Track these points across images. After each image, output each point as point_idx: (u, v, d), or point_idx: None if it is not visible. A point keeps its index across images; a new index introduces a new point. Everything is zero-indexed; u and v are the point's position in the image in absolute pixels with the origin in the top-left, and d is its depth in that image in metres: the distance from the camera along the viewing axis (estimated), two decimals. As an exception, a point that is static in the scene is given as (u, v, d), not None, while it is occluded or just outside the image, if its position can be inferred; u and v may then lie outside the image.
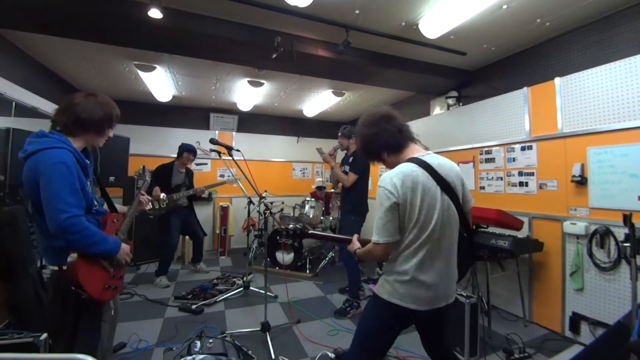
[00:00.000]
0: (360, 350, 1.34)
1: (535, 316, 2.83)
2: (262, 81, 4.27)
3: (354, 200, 3.08)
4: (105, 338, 1.50)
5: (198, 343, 2.18)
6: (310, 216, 4.50)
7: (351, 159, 3.14)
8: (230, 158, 2.48)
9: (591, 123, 2.49)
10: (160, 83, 4.28)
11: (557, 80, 2.74)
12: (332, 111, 5.84)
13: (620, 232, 2.23)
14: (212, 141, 2.57)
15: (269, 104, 5.49)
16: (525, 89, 3.00)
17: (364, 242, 1.42)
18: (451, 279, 1.33)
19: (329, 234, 2.27)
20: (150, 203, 3.58)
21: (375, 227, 1.25)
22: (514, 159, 3.07)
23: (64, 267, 1.26)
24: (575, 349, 2.30)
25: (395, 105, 5.31)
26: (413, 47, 3.17)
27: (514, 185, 3.06)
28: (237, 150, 2.54)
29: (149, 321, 2.76)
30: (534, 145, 2.90)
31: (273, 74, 3.93)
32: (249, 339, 2.44)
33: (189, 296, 3.27)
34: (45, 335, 1.21)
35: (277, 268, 4.14)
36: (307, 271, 4.21)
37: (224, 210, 5.21)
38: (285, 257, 4.22)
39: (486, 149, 3.35)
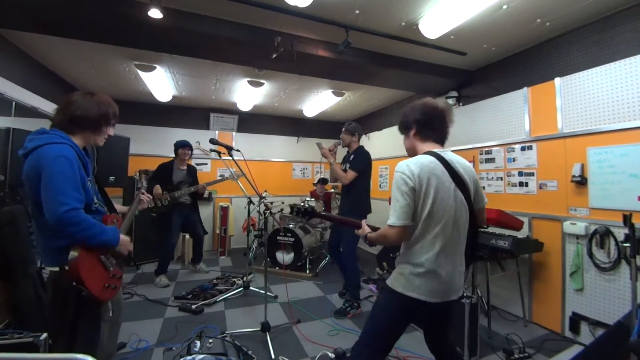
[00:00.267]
0: (368, 345, 1.35)
1: (535, 316, 2.83)
2: (262, 81, 4.27)
3: (353, 200, 3.03)
4: (106, 338, 1.50)
5: (198, 343, 2.18)
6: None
7: (352, 157, 3.11)
8: (230, 158, 2.48)
9: (591, 123, 2.49)
10: (160, 83, 4.28)
11: (557, 80, 2.74)
12: (332, 111, 5.84)
13: (620, 232, 2.23)
14: (212, 141, 2.57)
15: (269, 104, 5.49)
16: (525, 89, 3.00)
17: (372, 229, 1.45)
18: (461, 272, 1.36)
19: (336, 215, 2.31)
20: (152, 201, 3.61)
21: (392, 210, 1.27)
22: (514, 159, 3.07)
23: (66, 267, 1.25)
24: (575, 349, 2.30)
25: (396, 106, 5.31)
26: (413, 47, 3.17)
27: (514, 185, 3.06)
28: (237, 150, 2.54)
29: (149, 321, 2.76)
30: (534, 145, 2.90)
31: (273, 74, 3.92)
32: (249, 339, 2.44)
33: (189, 296, 3.27)
34: (45, 335, 1.21)
35: (277, 268, 4.14)
36: (307, 271, 4.21)
37: (224, 210, 5.21)
38: (285, 257, 4.22)
39: (486, 149, 3.35)
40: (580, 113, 2.57)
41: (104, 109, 1.43)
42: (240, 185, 3.22)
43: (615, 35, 2.50)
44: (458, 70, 3.78)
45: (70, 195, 1.22)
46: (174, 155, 3.92)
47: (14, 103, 2.97)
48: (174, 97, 5.04)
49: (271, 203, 3.96)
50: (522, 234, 2.80)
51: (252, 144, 5.89)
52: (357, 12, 2.63)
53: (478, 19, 2.63)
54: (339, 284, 3.64)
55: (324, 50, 3.11)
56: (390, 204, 1.33)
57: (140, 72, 3.83)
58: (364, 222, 1.51)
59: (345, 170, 3.06)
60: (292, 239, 4.19)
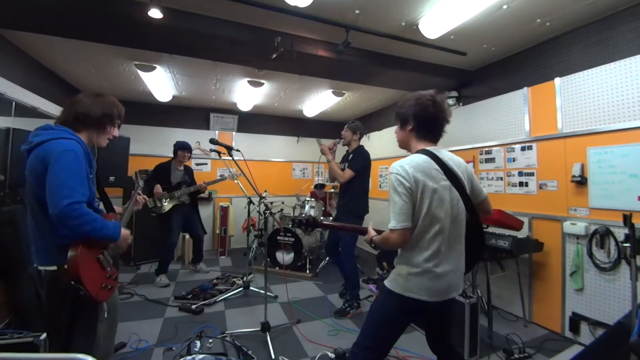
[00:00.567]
0: (366, 347, 1.34)
1: (535, 316, 2.83)
2: (262, 81, 4.27)
3: (351, 200, 3.03)
4: (102, 339, 1.50)
5: (198, 343, 2.18)
6: (312, 214, 4.48)
7: (351, 156, 3.10)
8: (230, 158, 2.48)
9: (591, 123, 2.49)
10: (160, 83, 4.28)
11: (557, 80, 2.74)
12: (332, 111, 5.84)
13: (620, 232, 2.23)
14: (212, 141, 2.57)
15: (269, 104, 5.49)
16: (525, 89, 3.00)
17: (378, 233, 1.43)
18: (461, 270, 1.35)
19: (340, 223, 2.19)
20: (152, 201, 3.61)
21: (391, 214, 1.25)
22: (514, 159, 3.07)
23: (65, 267, 1.25)
24: (575, 349, 2.30)
25: (395, 106, 5.30)
26: (413, 47, 3.17)
27: (514, 185, 3.06)
28: (237, 150, 2.54)
29: (149, 321, 2.76)
30: (534, 145, 2.90)
31: (273, 74, 3.92)
32: (249, 339, 2.44)
33: (189, 296, 3.27)
34: (45, 335, 1.21)
35: (277, 268, 4.14)
36: (307, 271, 4.21)
37: (224, 210, 5.21)
38: (285, 257, 4.22)
39: (486, 149, 3.35)
40: (580, 113, 2.57)
41: (109, 108, 1.45)
42: (240, 185, 3.22)
43: (615, 35, 2.50)
44: (458, 70, 3.78)
45: (75, 189, 1.22)
46: (173, 156, 3.93)
47: (14, 103, 2.97)
48: (174, 97, 5.04)
49: (271, 203, 3.96)
50: (522, 234, 2.80)
51: (252, 144, 5.90)
52: (357, 12, 2.63)
53: (478, 19, 2.63)
54: (339, 284, 3.63)
55: (324, 50, 3.11)
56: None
57: (140, 72, 3.83)
58: (370, 225, 1.50)
59: (343, 169, 3.06)
60: (292, 239, 4.19)
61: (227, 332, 2.51)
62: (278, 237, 4.25)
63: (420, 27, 2.74)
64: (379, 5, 2.55)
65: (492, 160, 3.29)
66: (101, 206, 1.58)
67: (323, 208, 4.83)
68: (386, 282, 1.37)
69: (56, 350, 1.25)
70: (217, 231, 5.24)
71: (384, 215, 4.55)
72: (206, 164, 5.61)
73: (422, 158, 1.29)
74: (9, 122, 2.89)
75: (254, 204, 3.40)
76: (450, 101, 4.00)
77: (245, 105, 5.42)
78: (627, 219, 1.67)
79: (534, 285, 2.85)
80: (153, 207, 3.60)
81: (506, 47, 3.23)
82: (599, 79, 2.45)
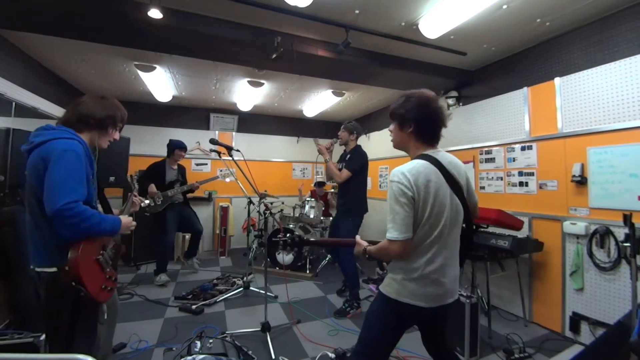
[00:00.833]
0: (363, 354, 1.33)
1: (535, 316, 2.83)
2: (262, 81, 4.27)
3: (350, 200, 3.05)
4: (102, 340, 1.51)
5: (198, 343, 2.19)
6: (311, 216, 4.49)
7: (348, 156, 3.12)
8: (230, 158, 2.49)
9: (591, 123, 2.49)
10: (160, 83, 4.28)
11: (557, 80, 2.74)
12: (332, 111, 5.84)
13: (620, 232, 2.23)
14: (212, 141, 2.57)
15: (269, 104, 5.49)
16: (525, 89, 3.00)
17: (371, 243, 1.38)
18: (456, 275, 1.34)
19: (327, 239, 2.14)
20: (152, 200, 3.62)
21: (392, 224, 1.20)
22: (514, 159, 3.07)
23: (66, 268, 1.25)
24: (575, 349, 2.30)
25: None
26: (413, 47, 3.17)
27: (514, 185, 3.06)
28: (237, 150, 2.54)
29: (149, 321, 2.76)
30: (534, 145, 2.90)
31: (273, 74, 3.92)
32: (249, 339, 2.44)
33: (189, 296, 3.27)
34: (45, 335, 1.21)
35: (277, 268, 4.14)
36: (307, 271, 4.21)
37: (224, 210, 5.21)
38: (285, 257, 4.22)
39: (486, 149, 3.35)
40: (580, 113, 2.57)
41: (112, 111, 1.47)
42: (236, 179, 3.18)
43: (615, 35, 2.50)
44: (458, 70, 3.78)
45: (74, 188, 1.22)
46: (167, 155, 3.93)
47: (14, 103, 2.97)
48: (174, 97, 5.04)
49: (271, 203, 3.96)
50: (522, 233, 2.80)
51: (252, 144, 5.90)
52: (357, 12, 2.63)
53: (478, 19, 2.63)
54: (339, 284, 3.64)
55: (324, 50, 3.11)
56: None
57: (140, 72, 3.82)
58: (357, 237, 1.45)
59: (340, 169, 3.08)
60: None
61: (227, 332, 2.51)
62: (276, 247, 4.23)
63: (420, 27, 2.74)
64: (379, 5, 2.55)
65: (492, 160, 3.29)
66: (99, 208, 1.58)
67: (323, 208, 4.83)
68: (381, 288, 1.34)
69: (56, 352, 1.25)
70: (217, 231, 5.24)
71: (383, 215, 4.55)
72: (206, 164, 5.61)
73: (422, 164, 1.25)
74: (9, 123, 2.89)
75: (254, 204, 3.40)
76: (450, 101, 4.00)
77: (245, 105, 5.42)
78: (627, 218, 1.67)
79: (534, 285, 2.85)
80: (147, 206, 3.61)
81: (506, 47, 3.23)
82: (599, 79, 2.45)
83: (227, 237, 5.21)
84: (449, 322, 1.56)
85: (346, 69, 3.52)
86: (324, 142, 3.12)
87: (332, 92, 4.70)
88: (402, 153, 1.44)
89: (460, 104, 3.94)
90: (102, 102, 1.46)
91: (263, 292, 2.69)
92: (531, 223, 2.88)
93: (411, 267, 1.25)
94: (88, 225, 1.25)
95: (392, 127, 1.40)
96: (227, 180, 3.70)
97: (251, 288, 3.50)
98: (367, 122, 5.88)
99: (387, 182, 4.80)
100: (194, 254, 4.21)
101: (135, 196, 1.82)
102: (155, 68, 3.76)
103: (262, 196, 2.81)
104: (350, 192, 3.05)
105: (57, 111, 3.56)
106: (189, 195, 4.10)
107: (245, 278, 3.61)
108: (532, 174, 2.90)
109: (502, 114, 3.22)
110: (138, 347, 2.32)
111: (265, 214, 2.66)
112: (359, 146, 3.17)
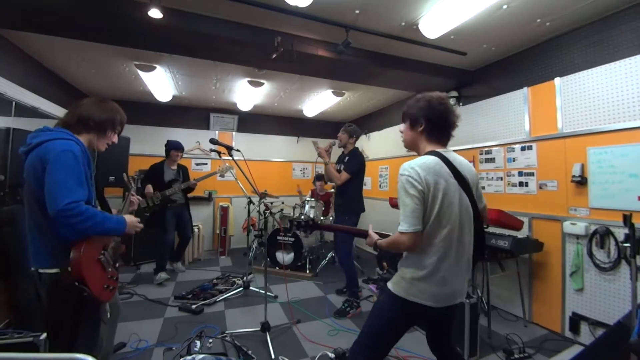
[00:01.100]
0: (367, 346, 1.33)
1: (535, 316, 2.83)
2: (262, 81, 4.27)
3: (347, 200, 3.10)
4: (104, 339, 1.51)
5: (198, 343, 2.19)
6: (311, 216, 4.49)
7: (347, 158, 3.16)
8: (230, 158, 2.48)
9: (591, 123, 2.49)
10: (160, 83, 4.28)
11: (557, 80, 2.74)
12: (332, 111, 5.84)
13: (620, 232, 2.23)
14: (212, 141, 2.57)
15: (269, 104, 5.49)
16: (525, 89, 3.00)
17: (381, 236, 1.40)
18: (466, 276, 1.34)
19: (340, 225, 2.14)
20: (144, 201, 3.63)
21: (402, 216, 1.21)
22: (514, 159, 3.07)
23: (69, 268, 1.25)
24: (575, 349, 2.30)
25: (395, 106, 5.31)
26: (413, 47, 3.17)
27: (514, 185, 3.06)
28: (237, 150, 2.54)
29: (149, 321, 2.76)
30: (534, 145, 2.90)
31: (273, 74, 3.92)
32: (249, 339, 2.44)
33: (189, 296, 3.27)
34: (45, 335, 1.21)
35: (277, 268, 4.14)
36: (307, 271, 4.21)
37: (224, 210, 5.21)
38: (285, 257, 4.22)
39: (486, 149, 3.35)
40: (580, 113, 2.57)
41: (112, 114, 1.49)
42: (234, 175, 3.17)
43: (615, 35, 2.50)
44: (458, 70, 3.78)
45: (74, 188, 1.22)
46: (165, 155, 3.96)
47: (14, 103, 2.97)
48: (174, 97, 5.04)
49: (271, 203, 3.95)
50: (522, 234, 2.80)
51: (252, 144, 5.90)
52: (357, 12, 2.63)
53: (478, 19, 2.63)
54: (339, 284, 3.64)
55: (324, 50, 3.11)
56: (397, 206, 1.29)
57: (140, 72, 3.83)
58: (370, 228, 1.46)
59: (339, 171, 3.11)
60: (292, 239, 4.19)
61: (227, 332, 2.51)
62: (278, 237, 4.25)
63: (420, 27, 2.74)
64: (379, 5, 2.55)
65: (492, 160, 3.29)
66: (98, 208, 1.58)
67: (323, 208, 4.83)
68: (389, 285, 1.34)
69: (59, 352, 1.25)
70: (217, 231, 5.24)
71: (383, 215, 4.58)
72: (206, 164, 5.61)
73: (433, 159, 1.25)
74: (9, 122, 2.89)
75: (254, 204, 3.41)
76: (451, 101, 3.99)
77: (245, 105, 5.42)
78: (627, 219, 1.67)
79: (534, 285, 2.85)
80: (145, 206, 3.62)
81: (506, 47, 3.23)
82: (599, 79, 2.45)
83: (227, 236, 5.21)
84: (450, 322, 1.56)
85: (346, 69, 3.52)
86: (323, 144, 3.14)
87: (332, 92, 4.70)
88: (403, 153, 1.45)
89: (461, 104, 3.94)
90: (102, 105, 1.47)
91: (263, 291, 2.69)
92: (531, 223, 2.88)
93: (421, 265, 1.25)
94: (91, 224, 1.25)
95: (403, 127, 1.43)
96: (226, 175, 3.70)
97: (251, 288, 3.50)
98: (367, 122, 5.88)
99: (388, 182, 4.83)
100: (179, 259, 4.26)
101: (132, 195, 1.83)
102: (155, 68, 3.76)
103: (262, 196, 2.81)
104: (348, 192, 3.09)
105: (57, 111, 3.56)
106: (190, 195, 4.11)
107: (245, 278, 3.61)
108: (532, 174, 2.90)
109: (502, 114, 3.22)
110: (138, 347, 2.32)
111: (265, 213, 2.66)
112: (357, 148, 3.23)
